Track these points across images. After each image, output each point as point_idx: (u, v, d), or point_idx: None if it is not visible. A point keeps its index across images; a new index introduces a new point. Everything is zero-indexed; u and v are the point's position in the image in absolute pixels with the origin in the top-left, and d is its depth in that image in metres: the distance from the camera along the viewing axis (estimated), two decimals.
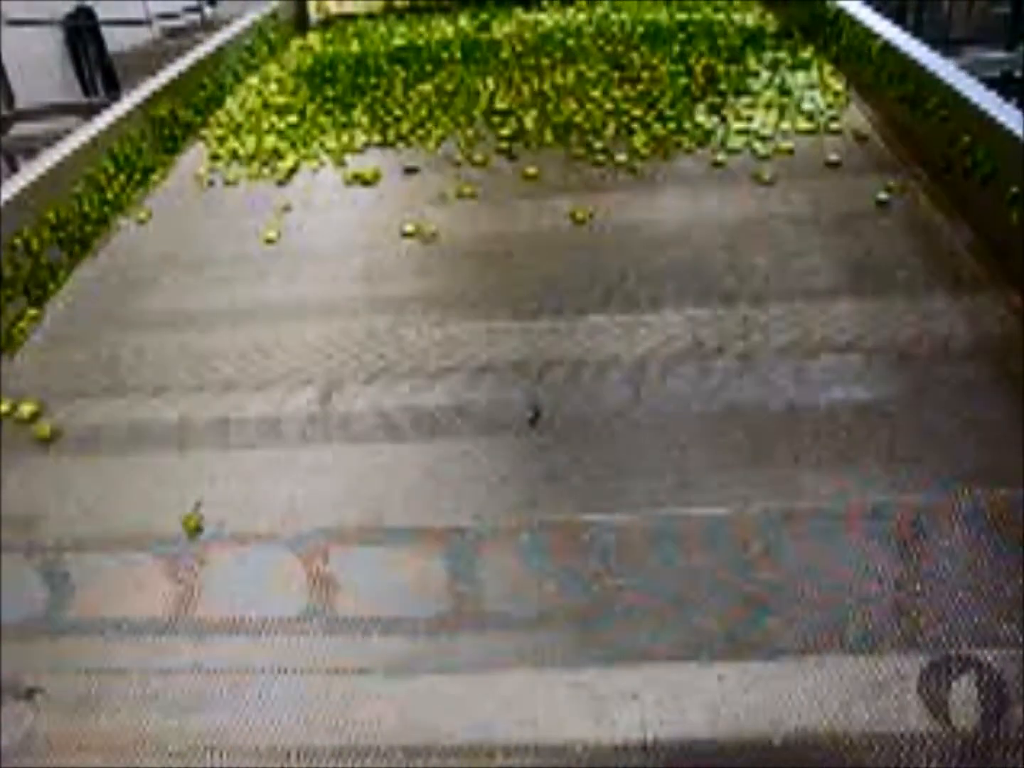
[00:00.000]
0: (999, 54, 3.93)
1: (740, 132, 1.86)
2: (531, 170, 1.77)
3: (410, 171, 1.88)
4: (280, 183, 1.89)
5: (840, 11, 2.20)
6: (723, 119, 1.93)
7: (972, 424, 1.06)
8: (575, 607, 0.89)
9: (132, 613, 0.93)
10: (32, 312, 1.45)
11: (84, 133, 1.79)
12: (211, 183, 1.94)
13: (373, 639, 0.88)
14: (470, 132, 2.02)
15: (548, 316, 1.33)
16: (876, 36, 1.95)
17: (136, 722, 0.83)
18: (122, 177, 1.83)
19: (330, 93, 2.37)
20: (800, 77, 2.15)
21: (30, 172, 1.58)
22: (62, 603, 0.96)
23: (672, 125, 1.92)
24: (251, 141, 2.08)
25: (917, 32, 1.91)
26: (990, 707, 0.76)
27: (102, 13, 4.94)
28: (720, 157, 1.77)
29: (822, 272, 1.37)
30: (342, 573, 0.95)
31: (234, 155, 2.04)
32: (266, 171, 1.94)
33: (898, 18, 3.79)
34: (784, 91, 2.06)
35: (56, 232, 1.57)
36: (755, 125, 1.88)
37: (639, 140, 1.86)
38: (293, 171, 1.93)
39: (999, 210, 1.34)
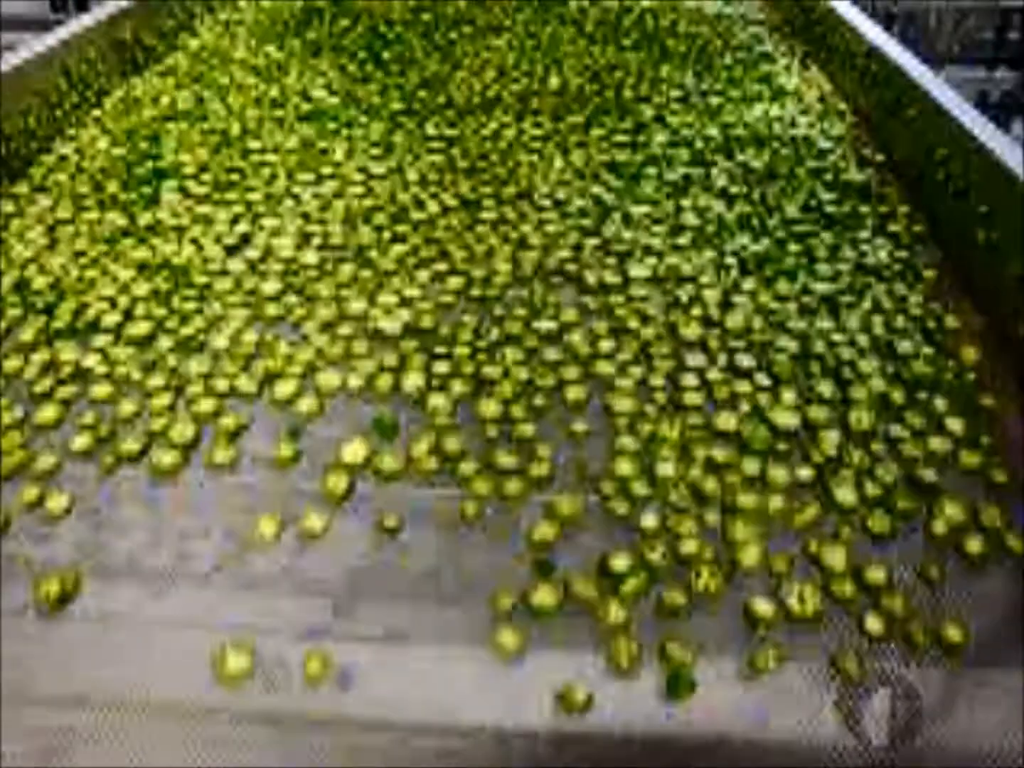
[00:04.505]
0: (977, 75, 3.98)
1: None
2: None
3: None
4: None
5: (830, 9, 2.18)
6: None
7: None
8: (495, 585, 0.86)
9: (33, 553, 0.89)
10: None
11: (30, 48, 1.67)
12: None
13: (282, 601, 0.85)
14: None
15: None
16: (863, 42, 1.92)
17: (30, 669, 0.78)
18: (75, 96, 1.73)
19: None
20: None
21: None
22: None
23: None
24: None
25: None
26: (904, 722, 0.75)
27: None
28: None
29: None
30: (255, 531, 0.91)
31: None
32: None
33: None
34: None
35: None
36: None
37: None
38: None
39: (967, 228, 1.34)
